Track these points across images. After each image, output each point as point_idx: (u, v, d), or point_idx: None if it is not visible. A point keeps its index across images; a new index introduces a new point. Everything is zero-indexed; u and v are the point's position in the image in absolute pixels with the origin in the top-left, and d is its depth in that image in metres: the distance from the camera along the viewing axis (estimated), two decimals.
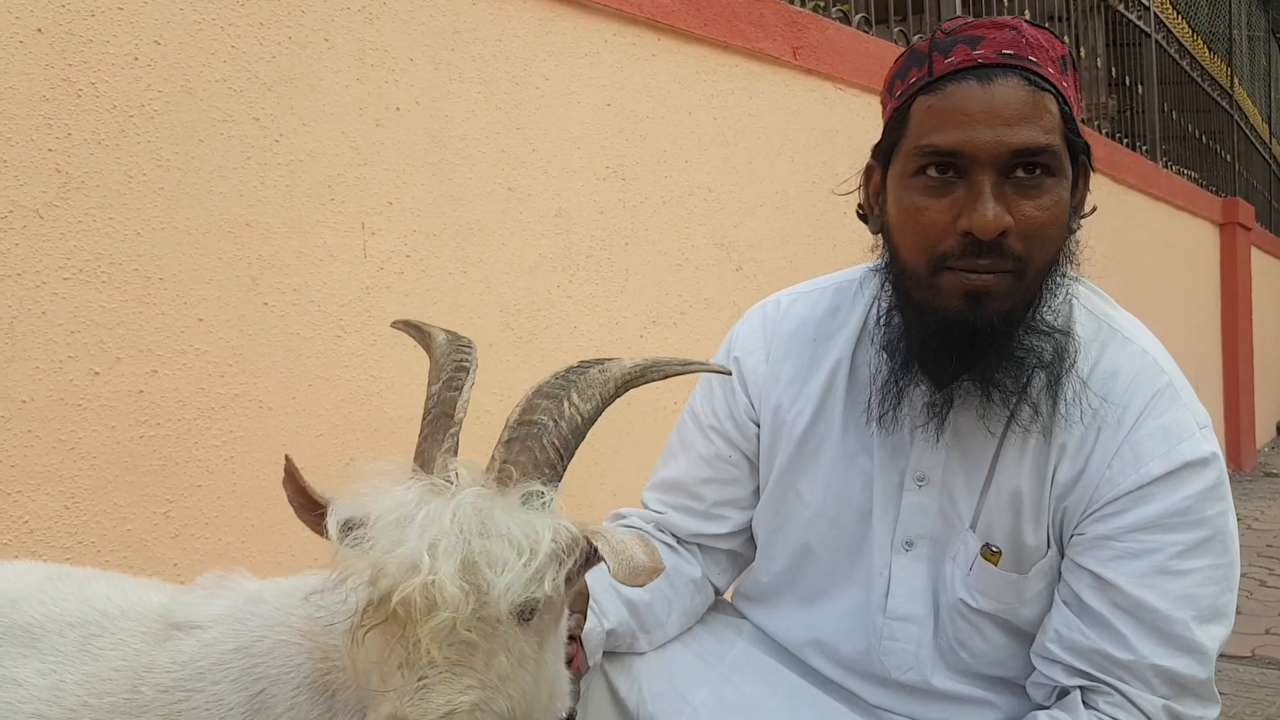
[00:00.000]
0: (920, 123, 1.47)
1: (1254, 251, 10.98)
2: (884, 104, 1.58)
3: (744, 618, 1.80)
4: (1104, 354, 1.56)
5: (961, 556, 1.57)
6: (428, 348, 1.28)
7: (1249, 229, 10.32)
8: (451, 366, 1.24)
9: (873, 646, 1.60)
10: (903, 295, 1.54)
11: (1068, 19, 7.32)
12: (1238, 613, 4.52)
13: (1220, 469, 1.48)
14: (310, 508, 1.22)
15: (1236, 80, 11.89)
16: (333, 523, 1.14)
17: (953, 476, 1.57)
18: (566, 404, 1.23)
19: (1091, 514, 1.49)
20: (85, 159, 2.25)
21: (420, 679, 1.05)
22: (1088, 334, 1.57)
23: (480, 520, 1.08)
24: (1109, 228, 7.09)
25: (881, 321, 1.58)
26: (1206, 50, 10.64)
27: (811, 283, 1.83)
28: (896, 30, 4.98)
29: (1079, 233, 1.57)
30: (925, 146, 1.45)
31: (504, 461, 1.17)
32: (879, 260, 1.60)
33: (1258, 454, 10.68)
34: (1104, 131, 7.45)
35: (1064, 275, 1.53)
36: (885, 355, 1.57)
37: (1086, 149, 1.52)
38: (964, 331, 1.45)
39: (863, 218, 1.65)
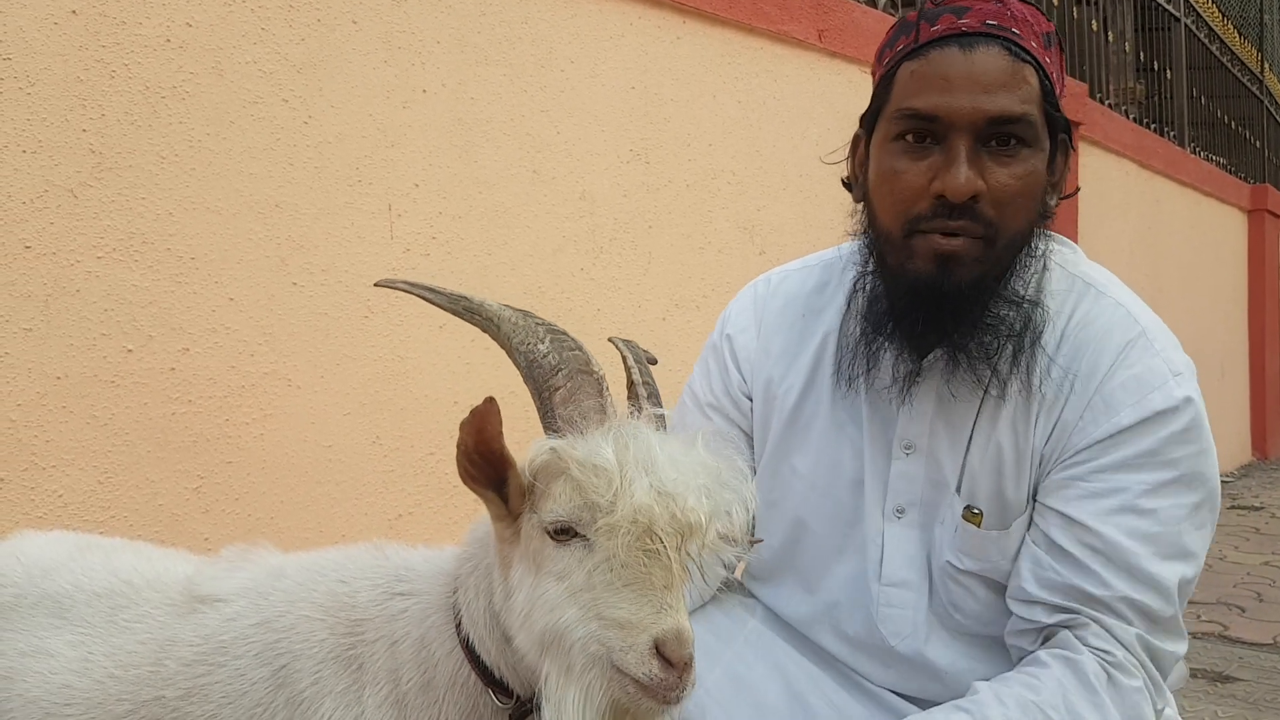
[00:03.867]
0: (903, 87, 1.50)
1: None
2: (874, 74, 1.61)
3: (755, 598, 1.82)
4: (1078, 308, 1.57)
5: (949, 520, 1.59)
6: (487, 317, 1.26)
7: (1278, 215, 10.22)
8: (543, 330, 1.25)
9: (871, 615, 1.63)
10: (878, 260, 1.56)
11: (1096, 2, 7.27)
12: (1259, 600, 4.48)
13: (1194, 412, 1.47)
14: (491, 460, 1.20)
15: (1268, 65, 11.75)
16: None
17: (938, 442, 1.59)
18: (649, 372, 1.40)
19: (1063, 461, 1.51)
20: (118, 139, 2.29)
21: (666, 600, 1.14)
22: (1061, 289, 1.58)
23: (705, 457, 1.20)
24: (1135, 213, 7.05)
25: (860, 286, 1.61)
26: (1237, 35, 10.51)
27: (801, 260, 1.86)
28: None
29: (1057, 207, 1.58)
30: (905, 109, 1.48)
31: (659, 416, 1.29)
32: (859, 227, 1.62)
33: None
34: (1131, 116, 7.39)
35: (1037, 249, 1.54)
36: (860, 319, 1.60)
37: (1067, 126, 1.54)
38: (933, 295, 1.47)
39: (848, 186, 1.67)
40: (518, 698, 1.29)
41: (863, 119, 1.61)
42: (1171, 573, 1.46)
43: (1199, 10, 9.18)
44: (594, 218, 3.30)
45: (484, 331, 1.27)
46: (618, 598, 1.13)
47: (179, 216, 2.37)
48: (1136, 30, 8.17)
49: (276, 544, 2.50)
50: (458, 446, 1.20)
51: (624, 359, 1.39)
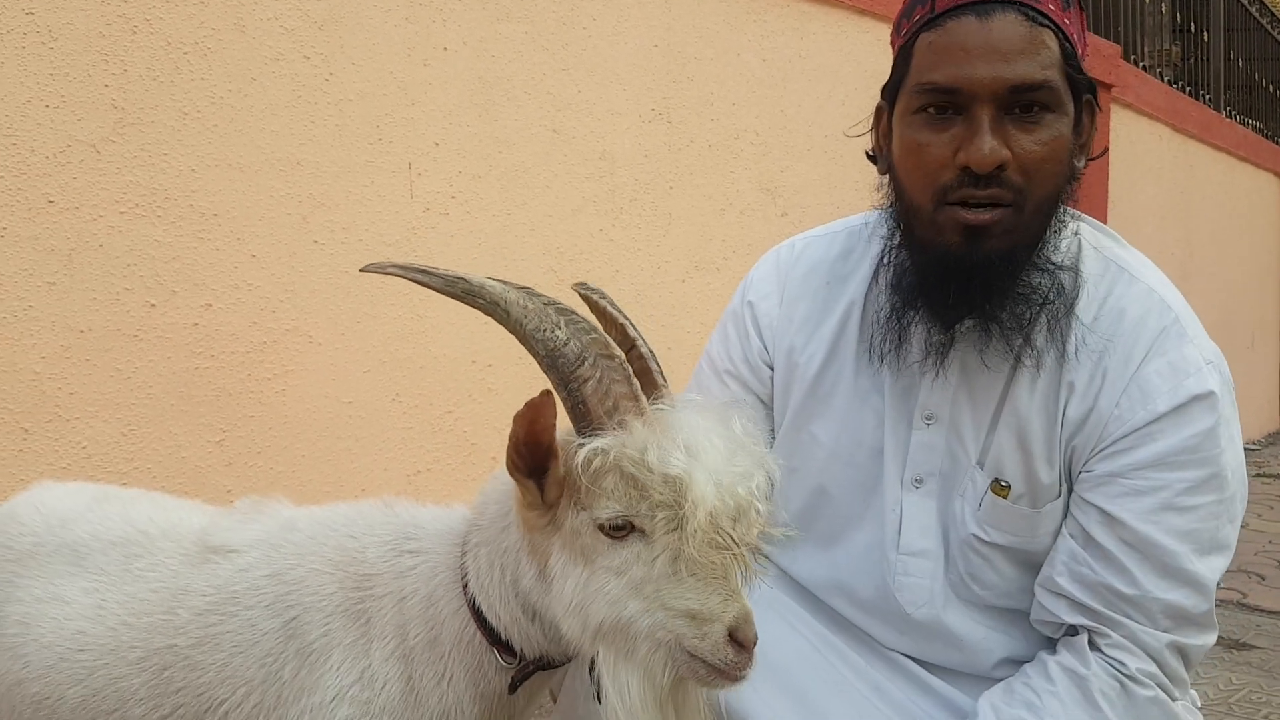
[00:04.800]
0: (921, 60, 1.48)
1: None
2: (892, 44, 1.59)
3: (770, 560, 1.83)
4: (1112, 292, 1.56)
5: (970, 493, 1.58)
6: (492, 300, 1.22)
7: None
8: (554, 312, 1.23)
9: (888, 583, 1.63)
10: (907, 233, 1.55)
11: None
12: (1279, 568, 4.45)
13: (1225, 404, 1.47)
14: (538, 452, 1.21)
15: None
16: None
17: (960, 414, 1.58)
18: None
19: (1100, 451, 1.50)
20: (141, 95, 2.30)
21: (730, 586, 1.18)
22: (1095, 272, 1.57)
23: (741, 437, 1.24)
24: (1168, 178, 6.95)
25: (887, 260, 1.60)
26: None
27: (825, 227, 1.84)
28: None
29: (1084, 169, 1.56)
30: (925, 84, 1.46)
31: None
32: (886, 200, 1.61)
33: None
34: (1166, 79, 7.26)
35: (1067, 212, 1.53)
36: (889, 292, 1.59)
37: (1091, 87, 1.51)
38: (961, 268, 1.46)
39: (872, 159, 1.65)
40: (521, 658, 1.31)
41: (884, 91, 1.59)
42: (1210, 568, 1.47)
43: None
44: (614, 178, 3.30)
45: (487, 315, 1.23)
46: (683, 588, 1.17)
47: (201, 173, 2.39)
48: None
49: (296, 498, 2.53)
50: (510, 438, 1.21)
51: (623, 328, 1.37)
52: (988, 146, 1.41)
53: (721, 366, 1.83)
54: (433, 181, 2.79)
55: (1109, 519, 1.48)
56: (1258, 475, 7.22)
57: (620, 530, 1.18)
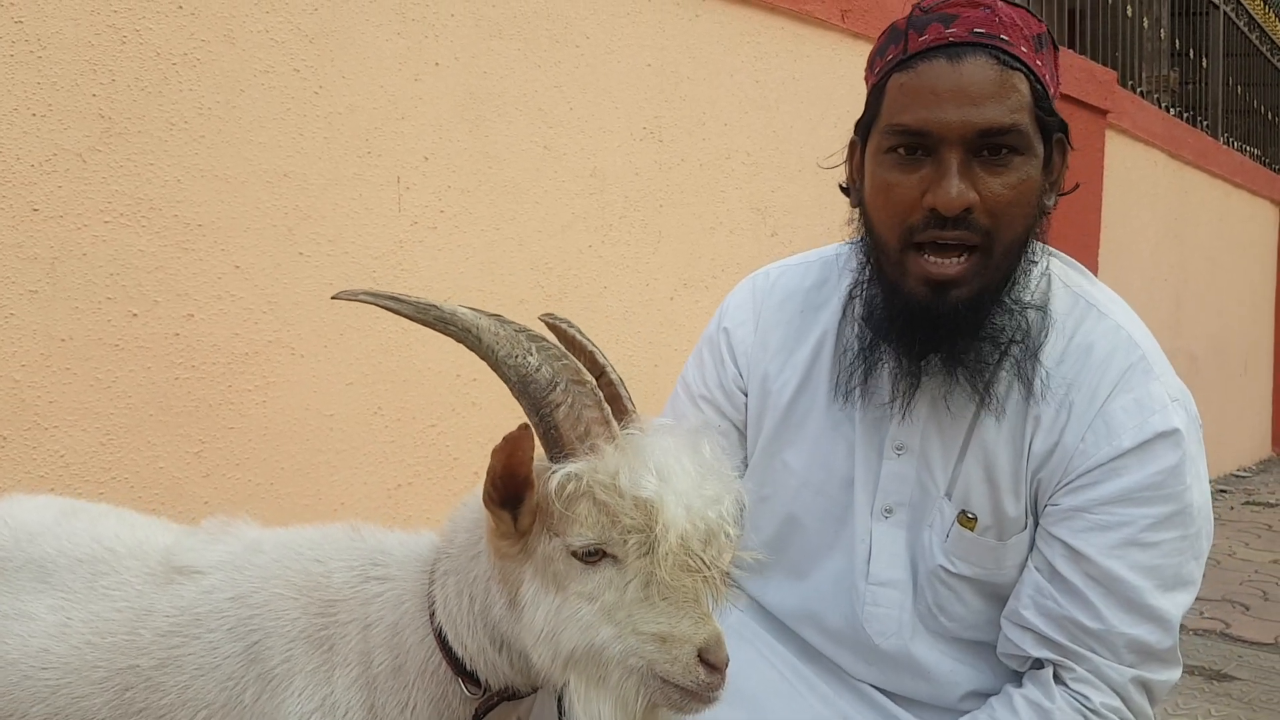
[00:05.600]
0: (893, 101, 1.50)
1: None
2: (866, 80, 1.60)
3: (740, 587, 1.83)
4: (1080, 328, 1.57)
5: (938, 524, 1.60)
6: (464, 328, 1.22)
7: None
8: (525, 338, 1.24)
9: (856, 613, 1.64)
10: (876, 269, 1.57)
11: None
12: (1263, 599, 4.47)
13: (1190, 441, 1.48)
14: (515, 484, 1.21)
15: None
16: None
17: (930, 445, 1.59)
18: None
19: (1065, 485, 1.52)
20: (128, 105, 2.30)
21: (700, 608, 1.18)
22: (1063, 309, 1.58)
23: (710, 460, 1.24)
24: (1163, 204, 6.97)
25: (858, 294, 1.61)
26: (1279, 23, 10.32)
27: (801, 255, 1.86)
28: None
29: (1054, 208, 1.58)
30: (895, 125, 1.48)
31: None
32: (857, 233, 1.62)
33: None
34: (1164, 105, 7.28)
35: (1036, 252, 1.54)
36: (860, 326, 1.61)
37: (1063, 127, 1.53)
38: (927, 317, 1.48)
39: (846, 192, 1.67)
40: (486, 689, 1.31)
41: (857, 126, 1.60)
42: (1174, 604, 1.48)
43: None
44: (604, 195, 3.30)
45: (459, 342, 1.23)
46: (655, 612, 1.17)
47: (187, 183, 2.39)
48: (1173, 15, 8.04)
49: (275, 511, 2.54)
50: (488, 472, 1.21)
51: (592, 355, 1.38)
52: (955, 190, 1.42)
53: (697, 392, 1.84)
54: (421, 195, 2.80)
55: (1074, 553, 1.49)
56: (1247, 503, 7.23)
57: (593, 556, 1.19)
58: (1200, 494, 1.49)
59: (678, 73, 3.51)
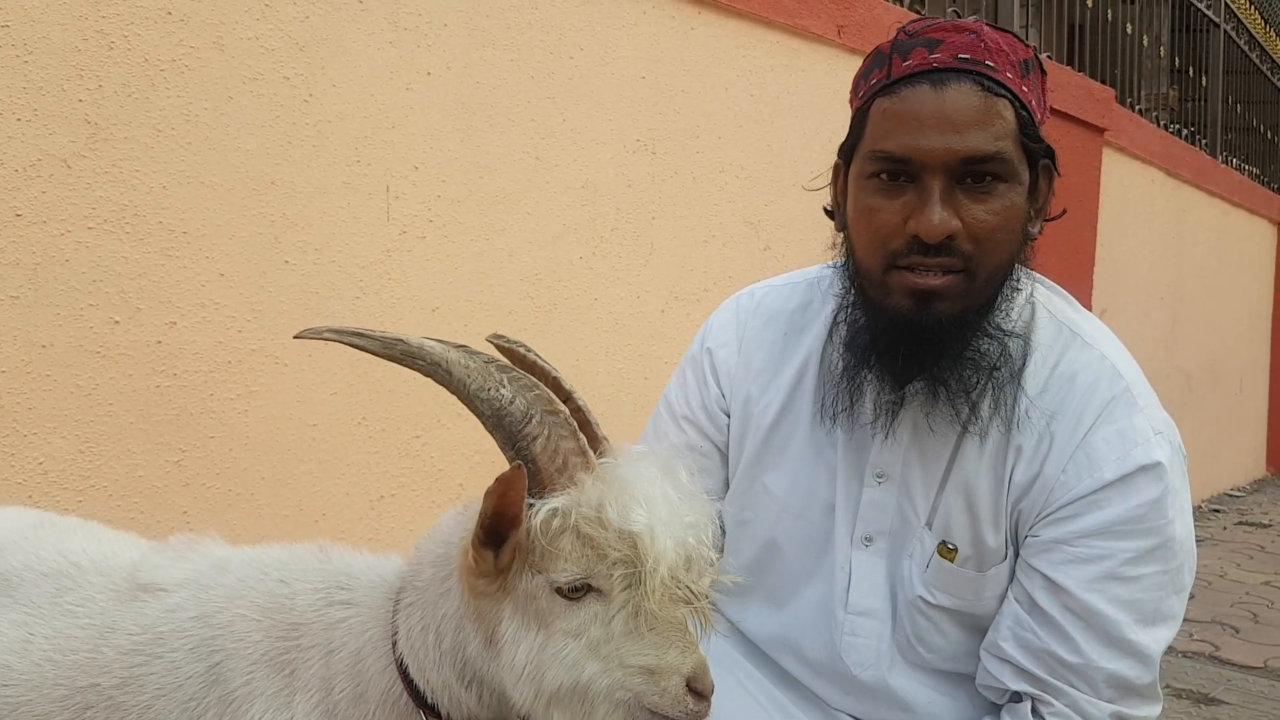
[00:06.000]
0: (876, 126, 1.49)
1: None
2: (851, 104, 1.59)
3: (719, 612, 1.82)
4: (1063, 357, 1.56)
5: (918, 554, 1.58)
6: (433, 362, 1.21)
7: None
8: (496, 370, 1.22)
9: (835, 642, 1.62)
10: (859, 293, 1.56)
11: (1133, 2, 7.14)
12: (1254, 621, 4.45)
13: (1174, 475, 1.47)
14: (504, 525, 1.19)
15: None
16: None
17: (911, 473, 1.57)
18: None
19: (1046, 517, 1.50)
20: (115, 111, 2.29)
21: (687, 638, 1.18)
22: (1047, 338, 1.57)
23: (688, 486, 1.25)
24: (1160, 222, 6.96)
25: (842, 318, 1.60)
26: None
27: (786, 276, 1.85)
28: (950, 10, 4.89)
29: (1040, 234, 1.57)
30: (878, 152, 1.47)
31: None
32: (841, 256, 1.61)
33: None
34: (1162, 123, 7.28)
35: (1019, 279, 1.53)
36: (843, 350, 1.59)
37: (1049, 153, 1.52)
38: (911, 331, 1.47)
39: (830, 214, 1.66)
40: None
41: (841, 150, 1.59)
42: (1154, 639, 1.47)
43: (1240, 16, 9.01)
44: (596, 206, 3.29)
45: (427, 376, 1.21)
46: (642, 644, 1.17)
47: (172, 190, 2.37)
48: (1173, 32, 8.04)
49: (255, 522, 2.53)
50: (480, 515, 1.19)
51: (556, 380, 1.36)
52: (937, 217, 1.41)
53: (679, 412, 1.82)
54: (410, 205, 2.78)
55: (1053, 586, 1.47)
56: (1240, 523, 7.21)
57: (577, 591, 1.17)
58: (1183, 528, 1.48)
59: (672, 85, 3.50)
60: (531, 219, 3.09)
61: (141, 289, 2.34)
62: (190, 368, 2.41)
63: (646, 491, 1.17)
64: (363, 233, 2.68)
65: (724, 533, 1.81)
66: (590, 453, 1.22)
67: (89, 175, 2.26)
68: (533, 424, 1.19)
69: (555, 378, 1.36)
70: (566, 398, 1.33)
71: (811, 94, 4.00)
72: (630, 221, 3.40)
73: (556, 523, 1.16)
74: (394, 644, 1.28)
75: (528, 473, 1.18)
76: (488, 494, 1.17)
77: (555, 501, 1.16)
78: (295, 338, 1.26)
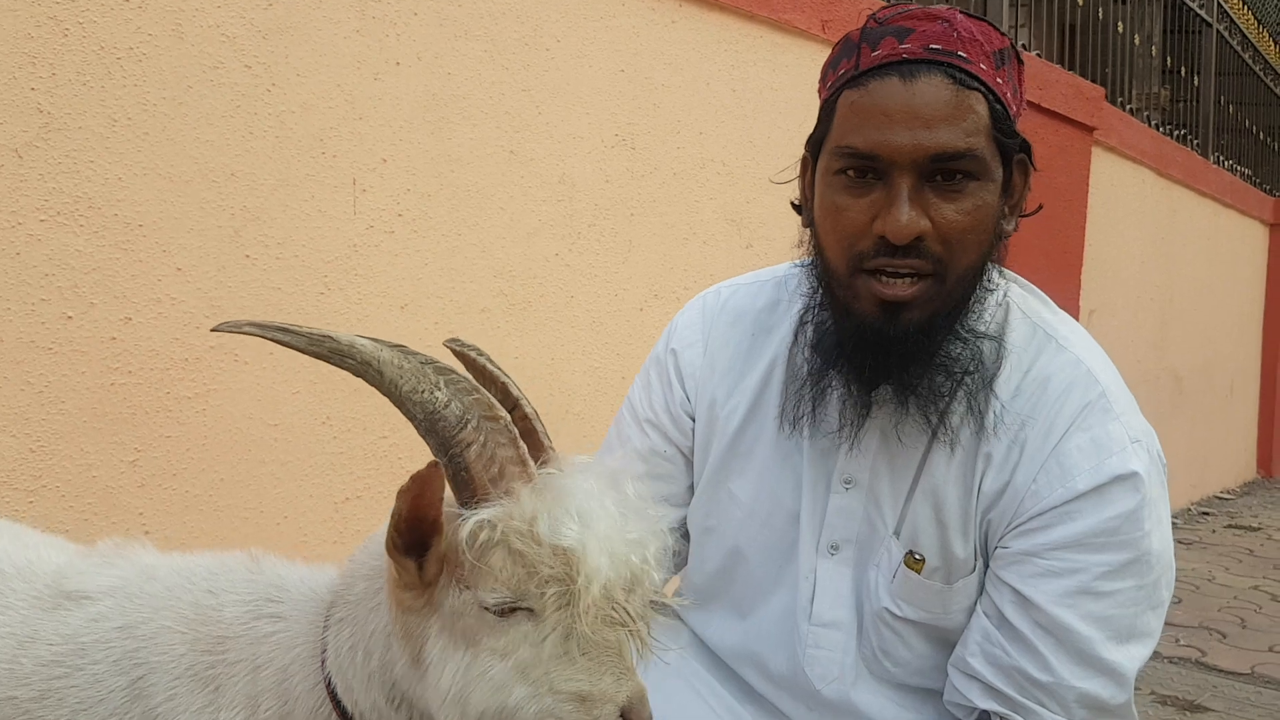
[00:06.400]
0: (843, 120, 1.42)
1: None
2: (819, 93, 1.52)
3: (683, 622, 1.76)
4: (1037, 360, 1.49)
5: (885, 564, 1.51)
6: (363, 361, 1.13)
7: None
8: (432, 371, 1.15)
9: (798, 656, 1.56)
10: (827, 293, 1.49)
11: (1124, 2, 7.09)
12: (1241, 627, 4.40)
13: (1151, 485, 1.40)
14: (423, 528, 1.11)
15: None
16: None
17: (879, 481, 1.50)
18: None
19: (1016, 528, 1.43)
20: (69, 100, 2.22)
21: (623, 663, 1.11)
22: (1021, 340, 1.50)
23: (635, 501, 1.17)
24: (1150, 222, 6.91)
25: (809, 318, 1.53)
26: (1272, 43, 10.28)
27: (753, 275, 1.78)
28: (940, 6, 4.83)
29: (1014, 232, 1.50)
30: (845, 147, 1.40)
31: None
32: (807, 254, 1.54)
33: None
34: (1153, 123, 7.23)
35: (992, 279, 1.47)
36: (810, 353, 1.52)
37: (1024, 148, 1.45)
38: (879, 340, 1.40)
39: (798, 209, 1.59)
40: None
41: (809, 142, 1.53)
42: (1128, 657, 1.40)
43: (1233, 16, 8.96)
44: (573, 202, 3.22)
45: (358, 376, 1.14)
46: (574, 669, 1.09)
47: (128, 182, 2.30)
48: (1165, 33, 7.99)
49: (214, 523, 2.45)
50: (393, 515, 1.11)
51: (505, 386, 1.29)
52: (905, 217, 1.34)
53: (643, 415, 1.76)
54: (378, 198, 2.71)
55: (1023, 600, 1.40)
56: (1229, 526, 7.17)
57: (506, 609, 1.09)
58: (1160, 540, 1.40)
59: (652, 79, 3.43)
60: (506, 214, 3.02)
61: (96, 283, 2.27)
62: (146, 365, 2.34)
63: (584, 505, 1.10)
64: (328, 227, 2.61)
65: (687, 541, 1.75)
66: (530, 463, 1.15)
67: (42, 166, 2.19)
68: (468, 429, 1.12)
69: (504, 383, 1.29)
70: (514, 405, 1.27)
71: (795, 90, 3.93)
72: (608, 218, 3.33)
73: (485, 535, 1.08)
74: (323, 662, 1.21)
75: (461, 482, 1.11)
76: (401, 493, 1.09)
77: (485, 512, 1.09)
78: (213, 330, 1.19)
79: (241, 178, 2.45)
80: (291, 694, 1.21)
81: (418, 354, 1.17)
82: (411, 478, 1.09)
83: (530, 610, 1.09)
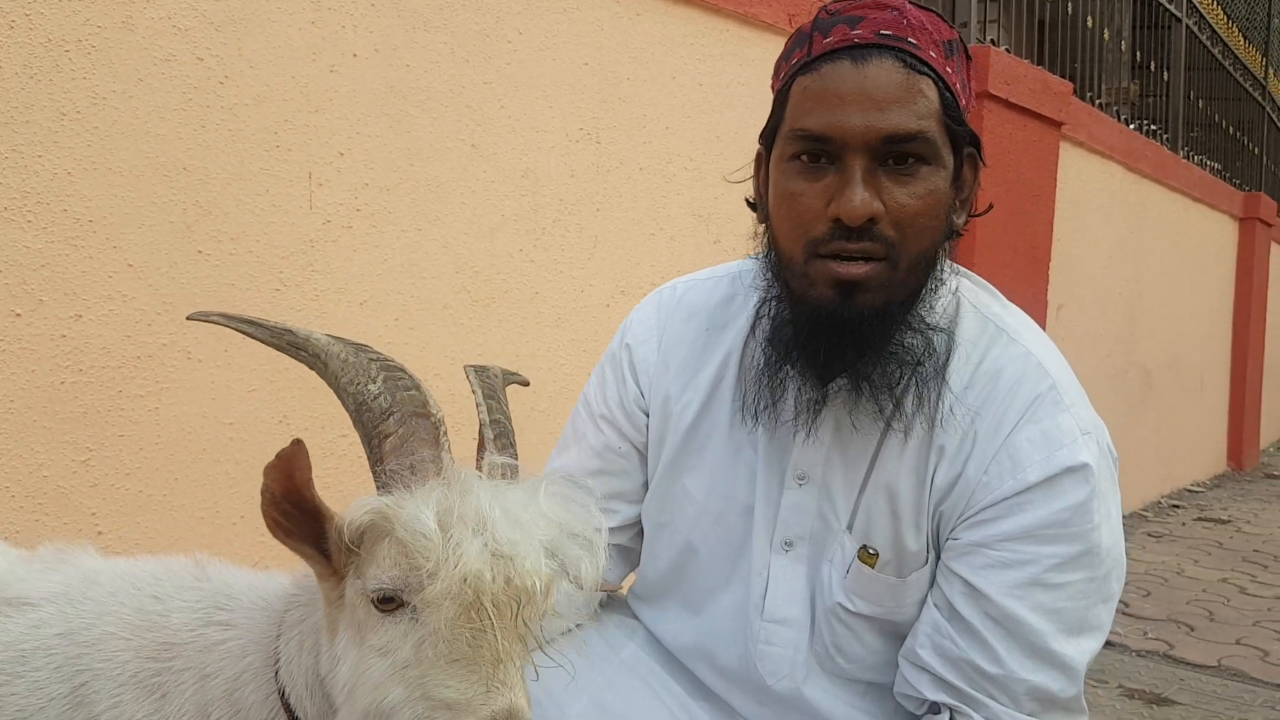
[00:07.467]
0: (796, 105, 1.41)
1: (1275, 248, 10.77)
2: (772, 87, 1.52)
3: (638, 618, 1.74)
4: (988, 354, 1.48)
5: (839, 559, 1.50)
6: (314, 354, 1.14)
7: (1270, 225, 10.11)
8: (376, 367, 1.15)
9: (750, 652, 1.55)
10: (781, 285, 1.48)
11: None
12: (1209, 620, 4.42)
13: (1101, 477, 1.40)
14: (304, 511, 1.10)
15: (1272, 70, 11.60)
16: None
17: (832, 475, 1.50)
18: (504, 404, 1.29)
19: (967, 519, 1.43)
20: (15, 93, 2.17)
21: (497, 676, 1.05)
22: (972, 333, 1.50)
23: (550, 508, 1.12)
24: (1118, 217, 6.94)
25: (763, 313, 1.51)
26: (1242, 39, 10.36)
27: (710, 270, 1.76)
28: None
29: (968, 225, 1.49)
30: (798, 130, 1.39)
31: (505, 460, 1.21)
32: (761, 248, 1.53)
33: (1260, 454, 10.55)
34: (1123, 118, 7.26)
35: (943, 270, 1.46)
36: (765, 345, 1.51)
37: (974, 140, 1.45)
38: (834, 323, 1.39)
39: (752, 207, 1.58)
40: None
41: (762, 135, 1.52)
42: (1078, 650, 1.40)
43: (1202, 11, 9.02)
44: (537, 197, 3.19)
45: (310, 368, 1.15)
46: (446, 675, 1.05)
47: (77, 176, 2.26)
48: (1134, 28, 8.03)
49: (167, 524, 2.41)
50: (262, 494, 1.10)
51: (474, 393, 1.28)
52: (859, 198, 1.34)
53: (597, 411, 1.74)
54: (335, 193, 2.68)
55: (973, 591, 1.40)
56: (1199, 519, 7.21)
57: (389, 603, 1.06)
58: (1110, 534, 1.40)
59: (617, 73, 3.40)
60: (467, 209, 2.99)
61: (45, 280, 2.22)
62: (97, 363, 2.30)
63: (478, 502, 1.06)
64: (283, 221, 2.57)
65: (641, 538, 1.73)
66: (449, 463, 1.13)
67: None
68: (390, 421, 1.11)
69: (480, 393, 1.27)
70: (481, 415, 1.25)
71: (762, 84, 3.89)
72: (573, 213, 3.31)
73: (366, 520, 1.06)
74: (276, 673, 1.19)
75: (377, 474, 1.10)
76: (266, 469, 1.08)
77: (372, 500, 1.07)
78: (188, 319, 1.22)
79: (194, 172, 2.41)
80: (244, 704, 1.19)
81: (372, 352, 1.17)
82: (277, 455, 1.08)
83: (413, 608, 1.07)
